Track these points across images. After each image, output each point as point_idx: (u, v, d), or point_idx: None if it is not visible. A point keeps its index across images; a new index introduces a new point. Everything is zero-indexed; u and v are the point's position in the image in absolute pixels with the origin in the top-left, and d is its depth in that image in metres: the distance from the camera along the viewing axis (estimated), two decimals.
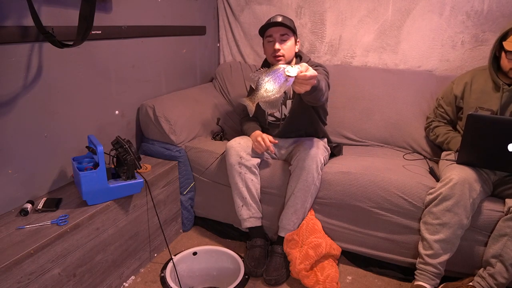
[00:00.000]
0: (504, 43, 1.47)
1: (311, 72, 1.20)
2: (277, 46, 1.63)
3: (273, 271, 1.57)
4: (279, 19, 1.65)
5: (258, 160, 1.68)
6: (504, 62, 1.51)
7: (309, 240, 1.57)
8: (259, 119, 1.84)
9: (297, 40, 1.72)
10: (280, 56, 1.64)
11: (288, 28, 1.64)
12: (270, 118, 1.79)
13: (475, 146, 1.43)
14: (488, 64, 1.60)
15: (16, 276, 1.08)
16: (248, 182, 1.64)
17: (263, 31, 1.69)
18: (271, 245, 1.69)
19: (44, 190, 1.46)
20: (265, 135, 1.65)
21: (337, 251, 1.65)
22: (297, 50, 1.73)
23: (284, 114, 1.75)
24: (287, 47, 1.65)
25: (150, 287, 1.55)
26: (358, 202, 1.58)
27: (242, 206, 1.66)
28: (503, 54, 1.51)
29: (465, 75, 1.73)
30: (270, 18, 1.68)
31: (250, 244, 1.67)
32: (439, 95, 1.85)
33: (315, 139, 1.68)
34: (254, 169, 1.66)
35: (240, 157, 1.62)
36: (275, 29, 1.64)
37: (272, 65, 1.63)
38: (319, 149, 1.58)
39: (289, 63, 1.68)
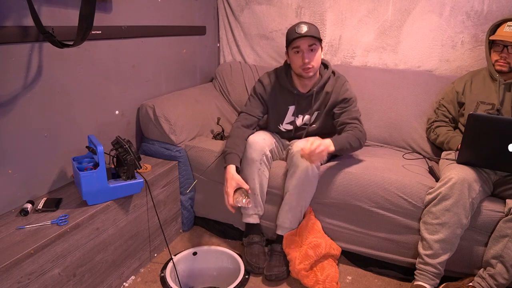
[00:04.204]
0: (491, 37, 1.63)
1: (320, 147, 1.41)
2: (306, 59, 1.57)
3: (274, 267, 1.58)
4: (305, 29, 1.55)
5: (270, 154, 1.68)
6: (492, 56, 1.66)
7: (308, 240, 1.57)
8: (271, 127, 1.82)
9: (322, 47, 1.66)
10: (309, 68, 1.59)
11: (315, 38, 1.57)
12: (287, 127, 1.78)
13: (476, 145, 1.43)
14: (487, 60, 1.68)
15: (16, 276, 1.08)
16: (263, 179, 1.64)
17: (288, 41, 1.60)
18: (270, 244, 1.69)
19: (44, 190, 1.46)
20: (234, 183, 1.49)
21: (337, 251, 1.65)
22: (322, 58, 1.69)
23: (305, 123, 1.75)
24: (316, 58, 1.60)
25: (150, 287, 1.55)
26: (358, 202, 1.58)
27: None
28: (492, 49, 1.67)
29: (464, 76, 1.80)
30: (295, 27, 1.58)
31: (247, 241, 1.68)
32: (440, 97, 1.87)
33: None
34: (269, 164, 1.66)
35: (264, 154, 1.61)
36: (303, 40, 1.56)
37: (301, 76, 1.64)
38: None
39: (315, 72, 1.66)
